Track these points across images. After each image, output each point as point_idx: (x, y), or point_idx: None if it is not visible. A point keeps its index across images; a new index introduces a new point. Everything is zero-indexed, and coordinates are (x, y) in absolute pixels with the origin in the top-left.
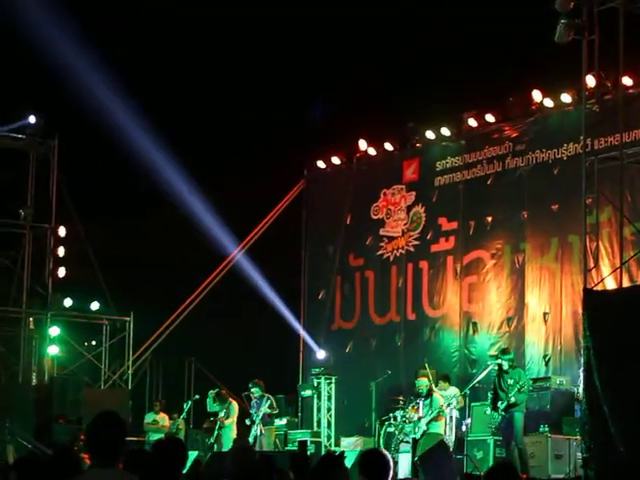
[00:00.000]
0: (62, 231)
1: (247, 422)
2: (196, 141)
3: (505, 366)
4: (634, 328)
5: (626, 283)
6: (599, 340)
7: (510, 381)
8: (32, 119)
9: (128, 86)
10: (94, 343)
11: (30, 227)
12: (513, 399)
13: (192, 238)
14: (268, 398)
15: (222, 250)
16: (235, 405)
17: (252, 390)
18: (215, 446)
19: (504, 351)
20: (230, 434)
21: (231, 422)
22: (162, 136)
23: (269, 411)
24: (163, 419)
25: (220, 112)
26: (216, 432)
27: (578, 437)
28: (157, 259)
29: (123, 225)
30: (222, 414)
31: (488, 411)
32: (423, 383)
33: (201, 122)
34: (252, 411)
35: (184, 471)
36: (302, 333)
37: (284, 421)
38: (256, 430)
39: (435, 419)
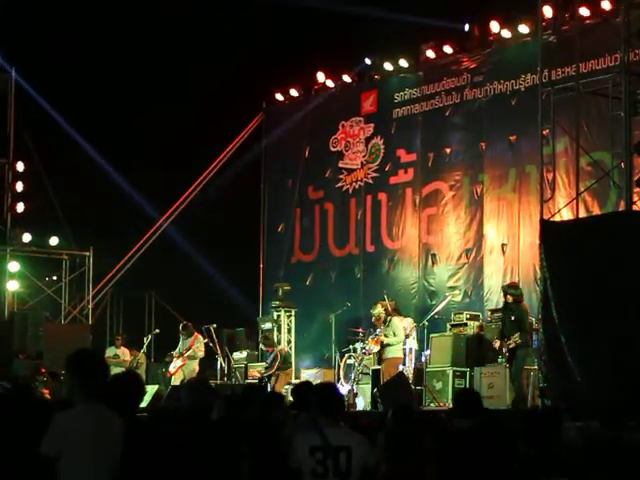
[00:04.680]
0: (20, 166)
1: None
2: (155, 74)
3: (509, 300)
4: (590, 258)
5: (582, 213)
6: (556, 271)
7: (512, 317)
8: None
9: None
10: (55, 278)
11: None
12: (513, 344)
13: (150, 171)
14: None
15: (182, 183)
16: (200, 339)
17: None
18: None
19: (510, 285)
20: (193, 368)
21: (196, 356)
22: (120, 64)
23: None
24: (124, 353)
25: (177, 46)
26: (177, 366)
27: (536, 367)
28: (116, 193)
29: (82, 159)
30: (185, 347)
31: (497, 344)
32: (377, 310)
33: (158, 56)
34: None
35: (144, 404)
36: (262, 266)
37: (244, 354)
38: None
39: (391, 344)
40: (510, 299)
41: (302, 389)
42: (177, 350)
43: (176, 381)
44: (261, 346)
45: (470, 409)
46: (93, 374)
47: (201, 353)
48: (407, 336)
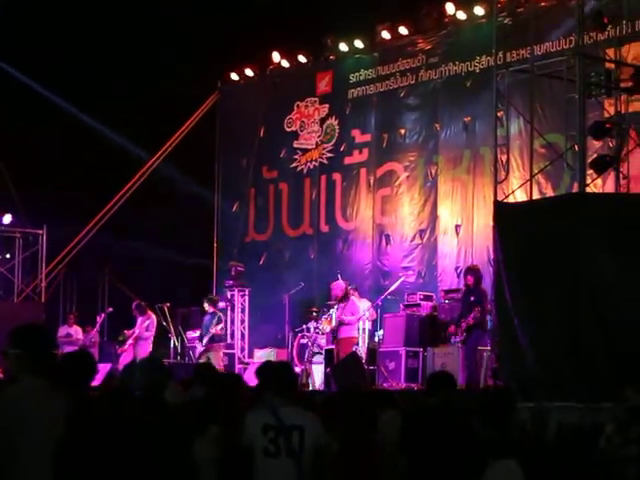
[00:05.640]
0: None
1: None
2: (109, 50)
3: (470, 282)
4: (542, 240)
5: (536, 195)
6: (509, 252)
7: (472, 298)
8: None
9: None
10: (8, 256)
11: None
12: (472, 322)
13: (105, 149)
14: (220, 317)
15: (136, 162)
16: (154, 318)
17: (205, 306)
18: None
19: (471, 267)
20: (147, 347)
21: (150, 335)
22: (75, 42)
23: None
24: (76, 332)
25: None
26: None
27: (489, 348)
28: (70, 171)
29: (35, 136)
30: (139, 326)
31: (452, 328)
32: (340, 286)
33: (114, 31)
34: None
35: (97, 383)
36: (215, 245)
37: (197, 333)
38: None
39: (349, 323)
40: (471, 280)
41: (265, 369)
42: (135, 329)
43: (124, 361)
44: (205, 305)
45: (438, 388)
46: (43, 349)
47: (149, 333)
48: (362, 317)
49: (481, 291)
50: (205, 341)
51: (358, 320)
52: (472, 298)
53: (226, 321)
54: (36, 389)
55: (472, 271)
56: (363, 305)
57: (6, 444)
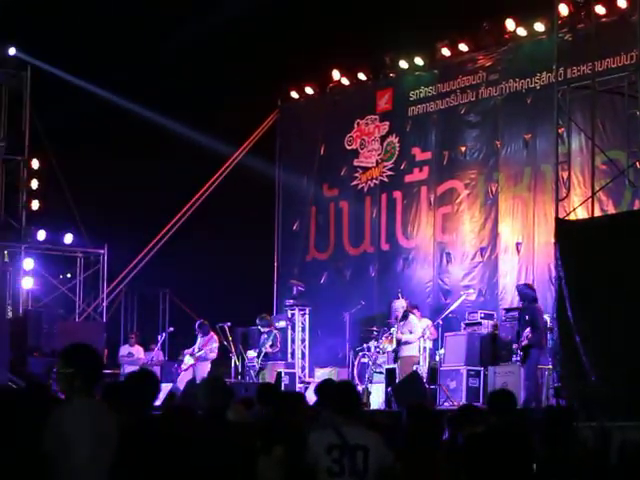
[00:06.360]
0: (35, 163)
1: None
2: (170, 73)
3: (523, 300)
4: (604, 257)
5: (597, 212)
6: (570, 269)
7: (526, 317)
8: (12, 51)
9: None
10: (69, 276)
11: (3, 160)
12: (526, 342)
13: (166, 168)
14: (275, 336)
15: (198, 180)
16: (215, 339)
17: (259, 324)
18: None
19: (524, 285)
20: (207, 367)
21: (214, 356)
22: (136, 68)
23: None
24: (138, 351)
25: (193, 45)
26: (188, 364)
27: (550, 367)
28: (132, 191)
29: (97, 156)
30: (200, 346)
31: (515, 346)
32: (401, 304)
33: (175, 54)
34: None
35: (158, 403)
36: (276, 264)
37: (256, 352)
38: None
39: (408, 341)
40: (524, 299)
41: (325, 387)
42: (194, 348)
43: (183, 380)
44: (260, 328)
45: (503, 408)
46: (94, 369)
47: (213, 355)
48: (423, 336)
49: (534, 309)
50: (260, 359)
51: (418, 339)
52: (527, 317)
53: (286, 340)
54: (92, 407)
55: (525, 288)
56: (423, 324)
57: (66, 463)
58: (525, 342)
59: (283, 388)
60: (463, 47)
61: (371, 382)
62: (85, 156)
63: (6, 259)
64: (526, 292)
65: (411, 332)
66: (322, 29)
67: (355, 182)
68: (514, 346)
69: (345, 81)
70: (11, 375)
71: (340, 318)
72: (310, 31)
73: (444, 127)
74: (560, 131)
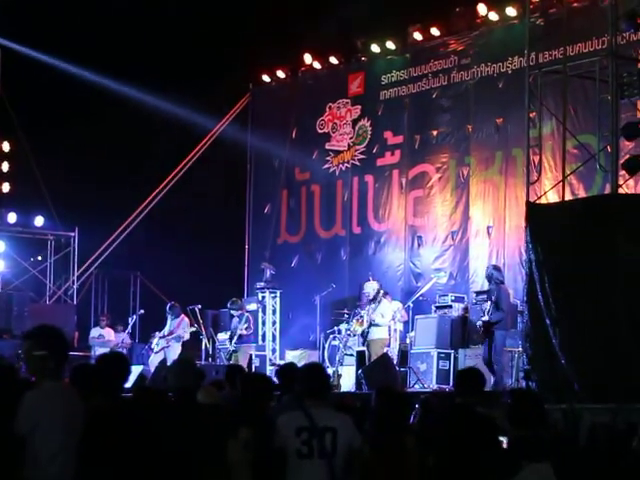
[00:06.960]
0: (6, 146)
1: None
2: (143, 54)
3: (491, 283)
4: (575, 241)
5: (568, 196)
6: (541, 253)
7: (492, 298)
8: None
9: None
10: (40, 258)
11: None
12: (486, 318)
13: (136, 151)
14: (247, 318)
15: (167, 164)
16: (186, 321)
17: (230, 308)
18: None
19: (493, 267)
20: (177, 349)
21: (186, 337)
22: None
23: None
24: (109, 334)
25: (168, 26)
26: (160, 346)
27: (520, 349)
28: (102, 174)
29: (68, 139)
30: (171, 328)
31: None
32: (372, 286)
33: (148, 35)
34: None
35: (129, 385)
36: (247, 247)
37: (227, 335)
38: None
39: (379, 324)
40: (490, 280)
41: (287, 370)
42: (164, 330)
43: (154, 362)
44: (231, 312)
45: (469, 388)
46: (64, 351)
47: (186, 335)
48: (394, 319)
49: (500, 290)
50: (233, 342)
51: (389, 321)
52: (492, 298)
53: (257, 323)
54: (62, 389)
55: (492, 270)
56: (394, 306)
57: (39, 443)
58: (485, 317)
59: (254, 370)
60: (435, 31)
61: (342, 364)
62: (56, 139)
63: None
64: (492, 273)
65: (383, 316)
66: (294, 12)
67: (327, 165)
68: (477, 323)
69: (317, 65)
70: None
71: (311, 301)
72: (282, 14)
73: (416, 111)
74: (531, 115)
